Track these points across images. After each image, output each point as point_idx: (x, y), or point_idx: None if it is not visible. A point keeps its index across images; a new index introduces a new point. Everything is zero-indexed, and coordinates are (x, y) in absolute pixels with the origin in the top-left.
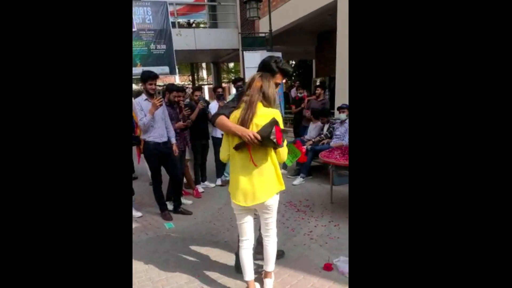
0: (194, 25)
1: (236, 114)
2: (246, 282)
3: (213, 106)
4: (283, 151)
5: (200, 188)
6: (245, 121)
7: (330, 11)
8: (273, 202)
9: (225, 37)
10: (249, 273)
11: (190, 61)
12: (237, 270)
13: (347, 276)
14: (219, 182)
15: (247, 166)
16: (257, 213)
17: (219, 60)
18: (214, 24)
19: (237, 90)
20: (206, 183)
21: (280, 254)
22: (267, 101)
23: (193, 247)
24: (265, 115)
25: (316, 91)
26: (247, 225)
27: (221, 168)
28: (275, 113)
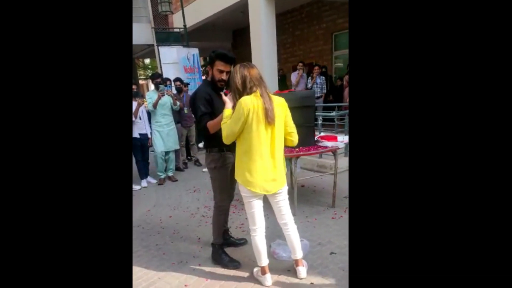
0: None
1: (256, 107)
2: (262, 267)
3: None
4: (296, 134)
5: None
6: (270, 111)
7: (241, 9)
8: (286, 186)
9: (137, 32)
10: (264, 258)
11: None
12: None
13: (278, 257)
14: (144, 183)
15: (265, 151)
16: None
17: (134, 56)
18: None
19: (155, 86)
20: None
21: (243, 242)
22: (267, 88)
23: None
24: (279, 104)
25: None
26: (258, 212)
27: (144, 169)
28: (285, 102)
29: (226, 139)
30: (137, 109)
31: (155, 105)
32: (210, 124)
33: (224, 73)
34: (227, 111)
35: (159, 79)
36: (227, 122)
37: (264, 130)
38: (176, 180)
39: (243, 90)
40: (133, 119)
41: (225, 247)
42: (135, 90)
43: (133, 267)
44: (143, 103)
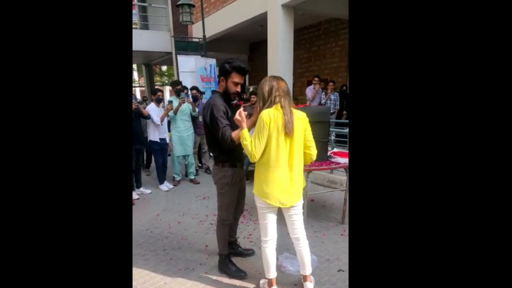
0: None
1: (276, 119)
2: (269, 279)
3: (152, 109)
4: (315, 149)
5: (134, 195)
6: (289, 123)
7: (260, 22)
8: (302, 200)
9: (157, 39)
10: (272, 271)
11: None
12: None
13: (285, 270)
14: (164, 187)
15: (283, 163)
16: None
17: (151, 62)
18: (145, 26)
19: (176, 93)
20: (141, 189)
21: (251, 253)
22: (291, 102)
23: None
24: (300, 118)
25: (251, 98)
26: (271, 225)
27: (162, 173)
28: (306, 116)
29: (254, 157)
30: (164, 115)
31: (175, 112)
32: (235, 135)
33: (239, 86)
34: (245, 131)
35: (179, 86)
36: (250, 141)
37: (283, 142)
38: (198, 183)
39: (268, 98)
40: (159, 123)
41: (232, 257)
42: (160, 96)
43: (140, 270)
44: (172, 109)
